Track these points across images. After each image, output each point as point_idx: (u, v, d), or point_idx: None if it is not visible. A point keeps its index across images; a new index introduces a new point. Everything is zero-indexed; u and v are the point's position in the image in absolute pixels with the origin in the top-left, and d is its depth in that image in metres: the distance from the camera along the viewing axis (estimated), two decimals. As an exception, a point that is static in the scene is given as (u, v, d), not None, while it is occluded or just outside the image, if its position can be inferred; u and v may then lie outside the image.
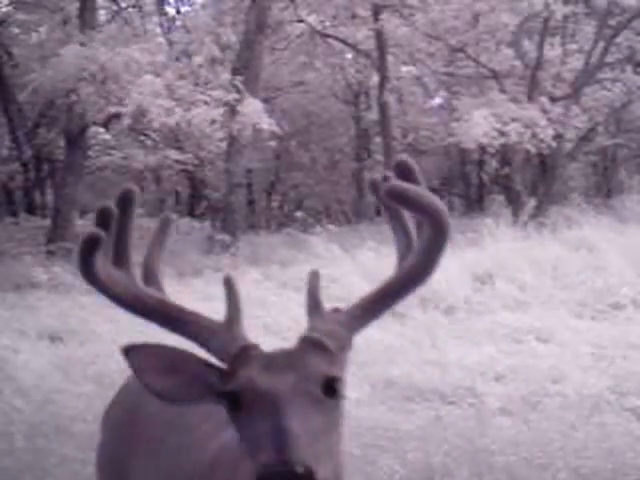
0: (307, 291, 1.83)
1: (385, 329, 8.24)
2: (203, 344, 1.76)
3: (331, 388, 1.64)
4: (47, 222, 16.82)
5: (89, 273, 1.73)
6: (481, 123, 14.14)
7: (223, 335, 1.75)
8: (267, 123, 14.06)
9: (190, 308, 1.82)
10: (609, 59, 16.65)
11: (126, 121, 14.57)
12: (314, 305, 1.80)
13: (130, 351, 1.75)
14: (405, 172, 1.76)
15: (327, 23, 19.13)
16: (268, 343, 1.80)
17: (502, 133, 14.38)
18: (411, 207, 1.75)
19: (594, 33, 16.59)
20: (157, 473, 2.18)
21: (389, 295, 1.79)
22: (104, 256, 1.77)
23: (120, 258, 1.82)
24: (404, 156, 1.81)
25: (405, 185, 1.72)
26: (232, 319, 1.79)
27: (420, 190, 1.73)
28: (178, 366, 1.74)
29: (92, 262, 1.72)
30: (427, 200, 1.72)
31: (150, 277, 1.93)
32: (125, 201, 1.84)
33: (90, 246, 1.71)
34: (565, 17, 16.74)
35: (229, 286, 1.85)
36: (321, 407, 1.61)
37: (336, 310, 1.80)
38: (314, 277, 1.87)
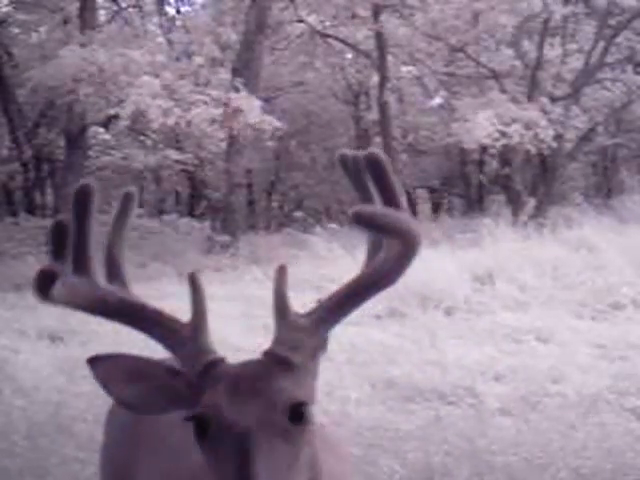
0: (273, 291, 1.72)
1: (385, 329, 8.26)
2: (168, 349, 1.72)
3: (298, 413, 1.61)
4: (47, 222, 16.80)
5: (45, 298, 1.70)
6: (485, 125, 14.15)
7: (188, 345, 1.69)
8: (267, 122, 14.07)
9: (154, 306, 1.76)
10: (609, 59, 16.67)
11: (123, 122, 14.60)
12: (281, 308, 1.71)
13: (95, 362, 1.73)
14: (374, 166, 1.71)
15: (327, 23, 19.14)
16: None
17: (504, 134, 14.39)
18: (379, 231, 1.70)
19: (594, 33, 16.61)
20: (159, 473, 2.17)
21: (356, 295, 1.72)
22: (62, 266, 1.70)
23: (80, 264, 1.73)
24: (375, 149, 1.74)
25: (370, 209, 1.66)
26: (197, 325, 1.71)
27: (386, 212, 1.66)
28: (145, 376, 1.71)
29: (47, 293, 1.68)
30: (395, 222, 1.66)
31: (113, 271, 1.84)
32: (83, 198, 1.73)
33: (43, 283, 1.67)
34: (565, 17, 16.76)
35: (194, 285, 1.74)
36: (288, 437, 1.59)
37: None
38: (281, 274, 1.73)
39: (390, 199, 1.71)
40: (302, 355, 1.67)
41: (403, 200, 1.72)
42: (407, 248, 1.66)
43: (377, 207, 1.70)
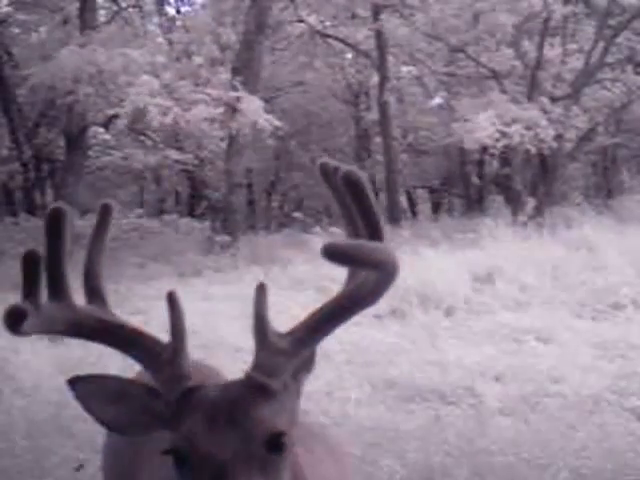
0: (253, 310, 1.67)
1: (385, 329, 8.26)
2: (147, 371, 1.72)
3: (277, 443, 1.60)
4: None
5: (17, 334, 1.66)
6: (485, 126, 14.14)
7: (167, 369, 1.68)
8: (267, 121, 14.06)
9: (133, 326, 1.74)
10: (609, 59, 16.68)
11: (123, 122, 14.60)
12: (260, 330, 1.67)
13: (75, 382, 1.72)
14: (353, 187, 1.65)
15: (327, 23, 19.17)
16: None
17: (504, 134, 14.39)
18: (354, 266, 1.66)
19: (594, 33, 16.61)
20: (159, 473, 2.17)
21: (336, 315, 1.68)
22: (36, 293, 1.68)
23: (55, 288, 1.71)
24: (352, 168, 1.68)
25: (342, 244, 1.59)
26: (176, 348, 1.69)
27: (359, 246, 1.61)
28: (125, 396, 1.71)
29: (19, 330, 1.65)
30: (369, 254, 1.59)
31: (93, 289, 1.81)
32: (56, 222, 1.71)
33: (14, 322, 1.63)
34: (565, 17, 16.77)
35: (172, 305, 1.71)
36: (266, 466, 1.58)
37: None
38: (261, 292, 1.69)
39: (368, 223, 1.67)
40: (282, 380, 1.66)
41: (381, 224, 1.67)
42: (385, 276, 1.62)
43: (349, 241, 1.67)
